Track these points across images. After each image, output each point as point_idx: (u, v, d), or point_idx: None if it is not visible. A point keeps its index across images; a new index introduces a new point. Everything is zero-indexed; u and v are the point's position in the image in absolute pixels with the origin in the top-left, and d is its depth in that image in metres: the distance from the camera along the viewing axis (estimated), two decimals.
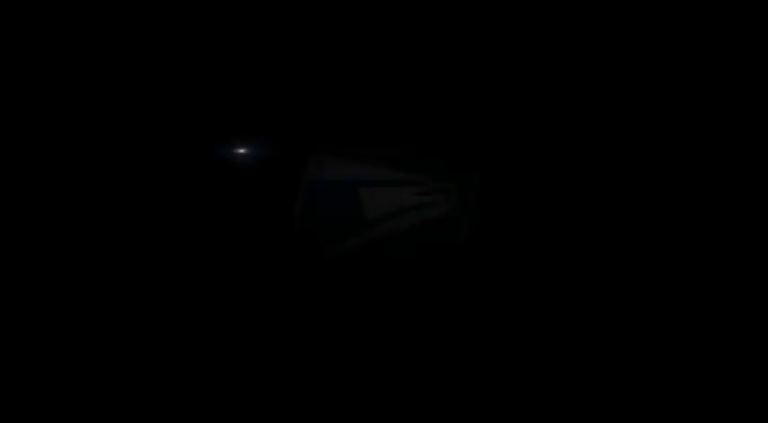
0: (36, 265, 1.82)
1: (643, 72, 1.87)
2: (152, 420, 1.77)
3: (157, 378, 1.79)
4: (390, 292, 1.86)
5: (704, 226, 1.83)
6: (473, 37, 1.89)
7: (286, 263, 1.88)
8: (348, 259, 1.88)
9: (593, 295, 1.84)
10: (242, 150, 1.89)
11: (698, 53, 1.85)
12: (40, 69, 1.86)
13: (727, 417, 1.74)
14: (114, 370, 1.79)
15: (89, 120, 1.88)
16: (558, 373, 1.81)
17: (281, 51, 1.89)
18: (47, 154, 1.85)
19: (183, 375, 1.80)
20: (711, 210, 1.83)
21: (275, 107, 1.90)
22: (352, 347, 1.84)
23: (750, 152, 1.83)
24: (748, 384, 1.75)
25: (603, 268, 1.85)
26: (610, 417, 1.77)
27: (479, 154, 1.89)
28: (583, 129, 1.88)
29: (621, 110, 1.88)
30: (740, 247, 1.82)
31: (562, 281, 1.85)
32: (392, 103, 1.90)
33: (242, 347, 1.83)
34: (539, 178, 1.88)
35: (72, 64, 1.87)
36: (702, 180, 1.85)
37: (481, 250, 1.87)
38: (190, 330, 1.83)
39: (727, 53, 1.84)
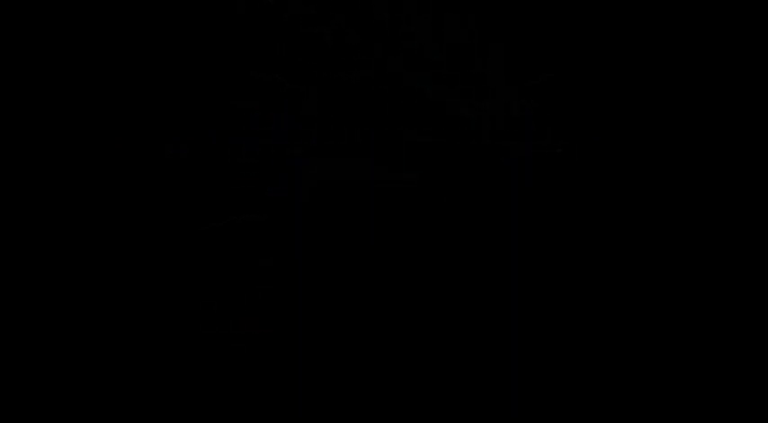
0: (16, 273, 1.81)
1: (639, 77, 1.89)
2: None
3: (155, 376, 1.79)
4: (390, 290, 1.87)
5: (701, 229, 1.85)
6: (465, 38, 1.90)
7: (286, 262, 1.88)
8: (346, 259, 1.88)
9: (593, 295, 1.85)
10: (240, 150, 1.89)
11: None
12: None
13: (727, 417, 1.75)
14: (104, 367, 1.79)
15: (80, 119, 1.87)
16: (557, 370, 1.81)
17: (280, 51, 1.89)
18: (33, 158, 1.84)
19: (184, 374, 1.80)
20: (709, 213, 1.85)
21: (274, 107, 1.90)
22: (351, 347, 1.84)
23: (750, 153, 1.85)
24: (747, 384, 1.76)
25: (603, 268, 1.86)
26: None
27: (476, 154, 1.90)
28: (581, 129, 1.89)
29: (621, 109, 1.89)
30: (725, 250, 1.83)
31: (561, 280, 1.86)
32: (391, 105, 1.91)
33: (240, 346, 1.83)
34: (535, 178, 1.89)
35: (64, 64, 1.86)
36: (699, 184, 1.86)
37: (480, 250, 1.87)
38: (189, 329, 1.83)
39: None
